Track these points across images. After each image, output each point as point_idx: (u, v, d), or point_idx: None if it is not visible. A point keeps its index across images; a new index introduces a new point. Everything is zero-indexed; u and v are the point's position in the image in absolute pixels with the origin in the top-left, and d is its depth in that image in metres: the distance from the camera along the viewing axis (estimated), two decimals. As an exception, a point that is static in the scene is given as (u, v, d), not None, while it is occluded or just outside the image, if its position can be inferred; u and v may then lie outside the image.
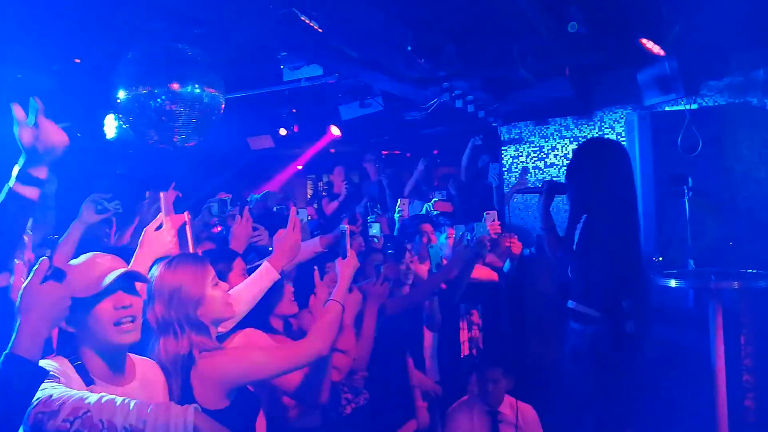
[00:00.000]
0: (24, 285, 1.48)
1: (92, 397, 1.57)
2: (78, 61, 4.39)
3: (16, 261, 2.03)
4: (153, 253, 2.14)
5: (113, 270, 1.78)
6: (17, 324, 1.46)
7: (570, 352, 3.21)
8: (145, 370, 1.91)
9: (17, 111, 1.71)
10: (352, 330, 2.66)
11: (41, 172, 1.72)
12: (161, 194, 2.26)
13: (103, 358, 1.76)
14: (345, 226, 2.64)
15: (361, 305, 2.75)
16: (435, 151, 7.06)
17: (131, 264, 2.09)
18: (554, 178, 5.26)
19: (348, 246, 2.56)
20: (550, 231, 3.36)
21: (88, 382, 1.71)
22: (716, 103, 4.92)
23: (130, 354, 1.89)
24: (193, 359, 1.98)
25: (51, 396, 1.52)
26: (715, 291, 3.48)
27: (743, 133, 4.83)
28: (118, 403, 1.58)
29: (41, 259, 1.50)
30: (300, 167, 8.79)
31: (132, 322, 1.79)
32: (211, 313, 2.10)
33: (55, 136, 1.71)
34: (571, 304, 3.19)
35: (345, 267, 2.50)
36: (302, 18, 2.99)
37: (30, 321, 1.46)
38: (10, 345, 1.44)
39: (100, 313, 1.74)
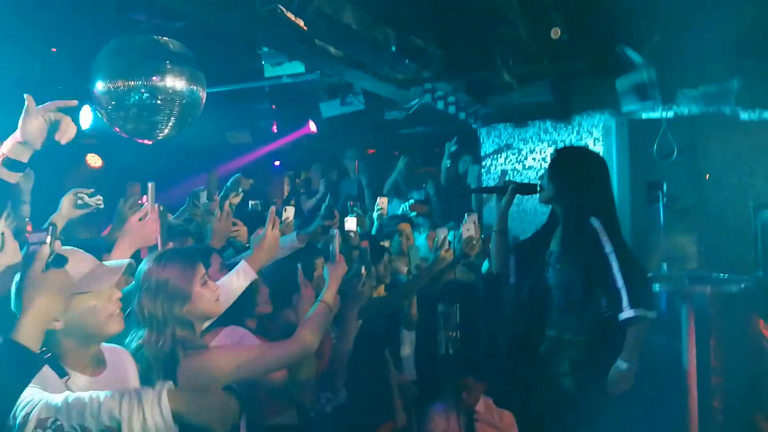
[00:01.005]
0: (26, 272, 1.47)
1: (58, 399, 1.54)
2: (54, 50, 4.31)
3: None
4: (136, 243, 2.16)
5: (94, 263, 1.76)
6: (21, 311, 1.45)
7: (543, 356, 3.10)
8: (114, 356, 1.90)
9: (30, 102, 1.79)
10: (329, 334, 2.66)
11: (25, 156, 1.78)
12: (150, 185, 2.24)
13: (81, 348, 1.74)
14: (335, 230, 2.63)
15: (338, 307, 2.73)
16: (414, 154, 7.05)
17: (113, 252, 2.11)
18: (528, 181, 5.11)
19: (337, 250, 2.55)
20: (503, 234, 3.17)
21: (62, 374, 1.68)
22: (691, 112, 5.04)
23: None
24: (176, 356, 1.97)
25: (19, 404, 1.48)
26: (688, 295, 3.57)
27: (716, 141, 4.95)
28: (87, 400, 1.56)
29: (41, 245, 1.48)
30: (277, 163, 8.73)
31: (121, 311, 1.80)
32: (198, 310, 2.10)
33: (71, 129, 1.84)
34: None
35: (334, 271, 2.50)
36: (288, 15, 2.97)
37: (34, 309, 1.44)
38: (12, 331, 1.42)
39: (99, 306, 1.72)
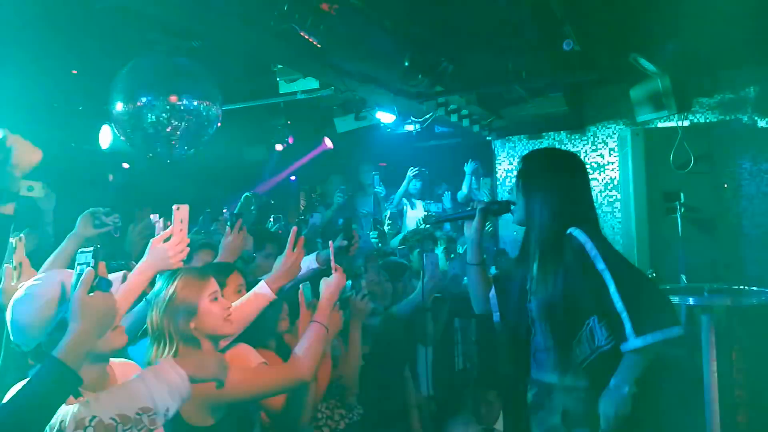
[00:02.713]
0: (73, 296, 1.51)
1: (78, 407, 1.57)
2: (75, 72, 4.40)
3: (5, 265, 2.02)
4: (157, 267, 2.07)
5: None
6: (68, 330, 1.49)
7: (532, 405, 2.43)
8: (125, 371, 1.89)
9: None
10: (328, 356, 2.59)
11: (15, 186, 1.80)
12: (178, 207, 2.11)
13: (89, 366, 1.74)
14: (332, 245, 2.54)
15: (341, 323, 2.71)
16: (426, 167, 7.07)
17: (131, 275, 2.03)
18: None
19: (333, 264, 2.45)
20: (480, 265, 2.55)
21: (76, 394, 1.70)
22: (708, 120, 4.99)
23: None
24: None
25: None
26: (708, 307, 3.50)
27: (734, 150, 4.90)
28: (116, 390, 1.64)
29: (87, 269, 1.52)
30: (293, 178, 8.78)
31: (122, 325, 1.80)
32: (205, 327, 2.08)
33: (33, 155, 1.82)
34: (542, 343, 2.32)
35: (327, 286, 2.38)
36: (301, 34, 3.01)
37: (79, 331, 1.48)
38: (56, 350, 1.46)
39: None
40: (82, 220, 2.76)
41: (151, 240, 2.09)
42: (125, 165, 5.82)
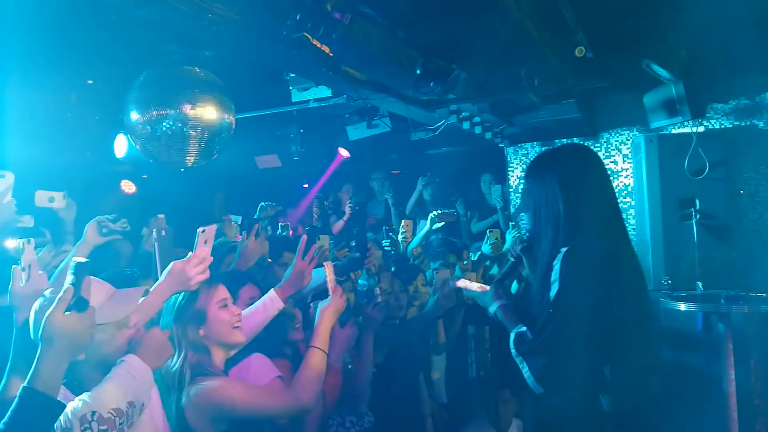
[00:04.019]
0: (47, 314, 1.43)
1: (83, 397, 1.61)
2: (90, 82, 4.46)
3: (14, 267, 2.05)
4: (175, 288, 2.03)
5: (110, 292, 1.81)
6: (37, 355, 1.41)
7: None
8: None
9: None
10: (338, 371, 2.59)
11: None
12: (200, 230, 2.04)
13: (98, 372, 1.77)
14: (330, 265, 2.46)
15: (353, 338, 2.69)
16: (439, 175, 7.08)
17: (149, 295, 2.01)
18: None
19: (330, 286, 2.37)
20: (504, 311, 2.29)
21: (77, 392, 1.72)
22: (722, 126, 4.95)
23: None
24: (184, 378, 1.98)
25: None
26: (725, 315, 3.47)
27: (750, 156, 4.85)
28: (107, 385, 1.65)
29: (66, 287, 1.45)
30: (306, 186, 8.82)
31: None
32: (214, 334, 2.09)
33: None
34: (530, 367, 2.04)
35: (324, 311, 2.32)
36: (314, 42, 3.03)
37: (52, 352, 1.41)
38: (28, 378, 1.39)
39: (117, 335, 1.77)
40: (89, 228, 2.75)
41: (171, 263, 2.05)
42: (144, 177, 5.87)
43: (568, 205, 2.06)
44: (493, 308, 2.32)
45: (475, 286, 2.51)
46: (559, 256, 2.00)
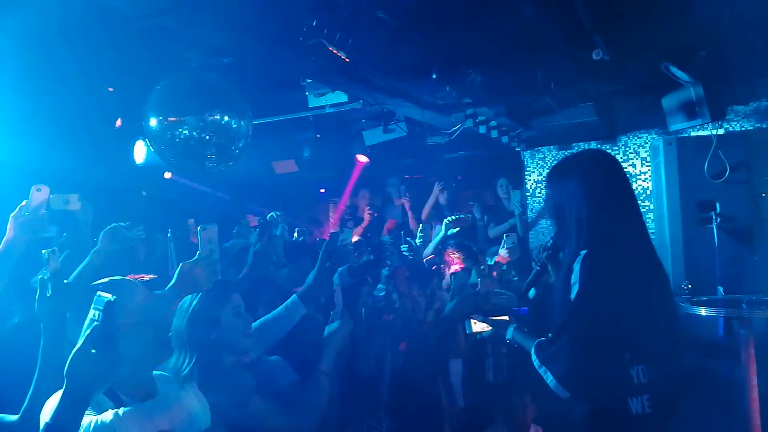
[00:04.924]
0: (73, 352, 1.40)
1: (109, 417, 1.61)
2: (111, 89, 4.53)
3: (39, 276, 2.09)
4: (187, 290, 2.08)
5: (147, 293, 1.83)
6: (63, 390, 1.39)
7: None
8: (161, 382, 1.94)
9: None
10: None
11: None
12: (203, 228, 2.09)
13: (136, 376, 1.79)
14: (339, 289, 2.47)
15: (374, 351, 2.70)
16: (458, 177, 7.07)
17: (166, 295, 2.06)
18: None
19: (341, 305, 2.37)
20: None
21: (118, 402, 1.74)
22: (743, 128, 4.89)
23: None
24: (193, 381, 1.99)
25: None
26: (747, 320, 3.42)
27: (771, 158, 4.78)
28: (136, 411, 1.64)
29: (94, 324, 1.40)
30: (322, 191, 8.86)
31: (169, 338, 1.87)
32: (226, 340, 2.10)
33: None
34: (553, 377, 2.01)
35: (331, 335, 2.34)
36: (330, 48, 3.05)
37: (76, 390, 1.39)
38: (51, 416, 1.38)
39: (154, 335, 1.79)
40: (104, 236, 2.78)
41: (180, 264, 2.08)
42: (167, 175, 5.89)
43: (590, 210, 2.08)
44: (509, 334, 2.34)
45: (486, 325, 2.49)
46: (579, 259, 2.01)
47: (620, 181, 2.21)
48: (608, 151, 5.47)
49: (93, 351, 1.37)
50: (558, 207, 2.17)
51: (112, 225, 2.84)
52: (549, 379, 2.02)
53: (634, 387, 1.98)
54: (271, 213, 5.14)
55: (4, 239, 2.29)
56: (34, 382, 1.74)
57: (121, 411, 1.62)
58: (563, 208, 2.15)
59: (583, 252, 2.02)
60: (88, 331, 1.40)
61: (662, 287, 2.12)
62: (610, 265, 2.00)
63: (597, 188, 2.12)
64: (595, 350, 1.95)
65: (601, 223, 2.06)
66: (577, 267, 2.00)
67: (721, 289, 4.09)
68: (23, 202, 2.30)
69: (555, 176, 2.24)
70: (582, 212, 2.09)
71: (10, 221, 2.29)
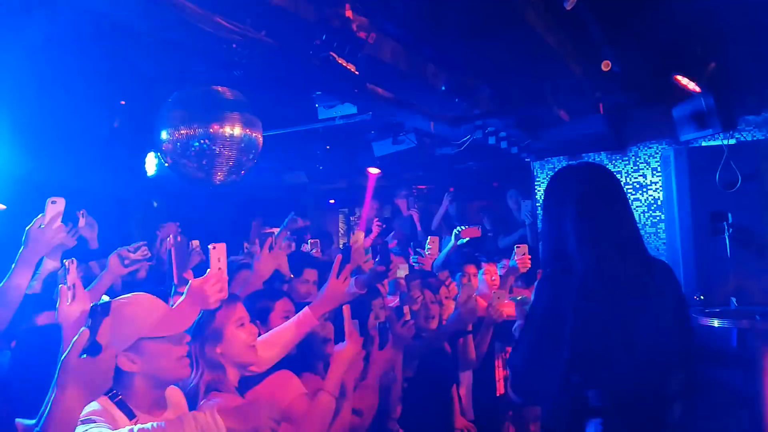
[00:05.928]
0: (62, 358, 1.38)
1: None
2: (123, 102, 4.58)
3: (61, 286, 2.11)
4: (198, 307, 2.03)
5: (166, 308, 1.83)
6: (50, 398, 1.36)
7: None
8: (172, 395, 1.94)
9: None
10: (375, 390, 2.57)
11: None
12: (211, 246, 2.05)
13: (152, 391, 1.79)
14: (348, 309, 2.42)
15: (391, 360, 2.68)
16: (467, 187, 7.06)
17: (174, 312, 1.98)
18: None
19: (348, 328, 2.33)
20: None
21: (131, 415, 1.74)
22: (755, 138, 4.86)
23: None
24: (199, 395, 1.99)
25: None
26: (761, 332, 3.38)
27: (784, 168, 4.73)
28: (150, 428, 1.61)
29: (81, 329, 1.39)
30: (332, 201, 8.88)
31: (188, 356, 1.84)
32: (231, 353, 2.10)
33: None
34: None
35: (339, 355, 2.29)
36: (340, 61, 3.07)
37: (66, 397, 1.36)
38: (41, 423, 1.34)
39: (172, 350, 1.78)
40: (112, 260, 2.81)
41: (190, 281, 2.06)
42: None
43: (551, 227, 2.02)
44: (515, 328, 2.35)
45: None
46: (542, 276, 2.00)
47: (593, 196, 2.00)
48: (618, 160, 5.49)
49: (81, 357, 1.36)
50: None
51: (119, 249, 2.84)
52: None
53: (589, 409, 1.88)
54: (292, 213, 5.12)
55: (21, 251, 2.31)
56: (52, 387, 1.75)
57: (136, 428, 1.61)
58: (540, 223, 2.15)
59: (538, 271, 2.06)
60: (77, 337, 1.38)
61: (649, 312, 1.91)
62: (564, 287, 1.88)
63: (561, 205, 2.00)
64: (540, 366, 1.90)
65: (565, 243, 1.95)
66: (536, 283, 2.00)
67: (734, 300, 4.05)
68: (39, 216, 2.32)
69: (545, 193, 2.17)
70: (545, 228, 2.07)
71: (25, 234, 2.31)
